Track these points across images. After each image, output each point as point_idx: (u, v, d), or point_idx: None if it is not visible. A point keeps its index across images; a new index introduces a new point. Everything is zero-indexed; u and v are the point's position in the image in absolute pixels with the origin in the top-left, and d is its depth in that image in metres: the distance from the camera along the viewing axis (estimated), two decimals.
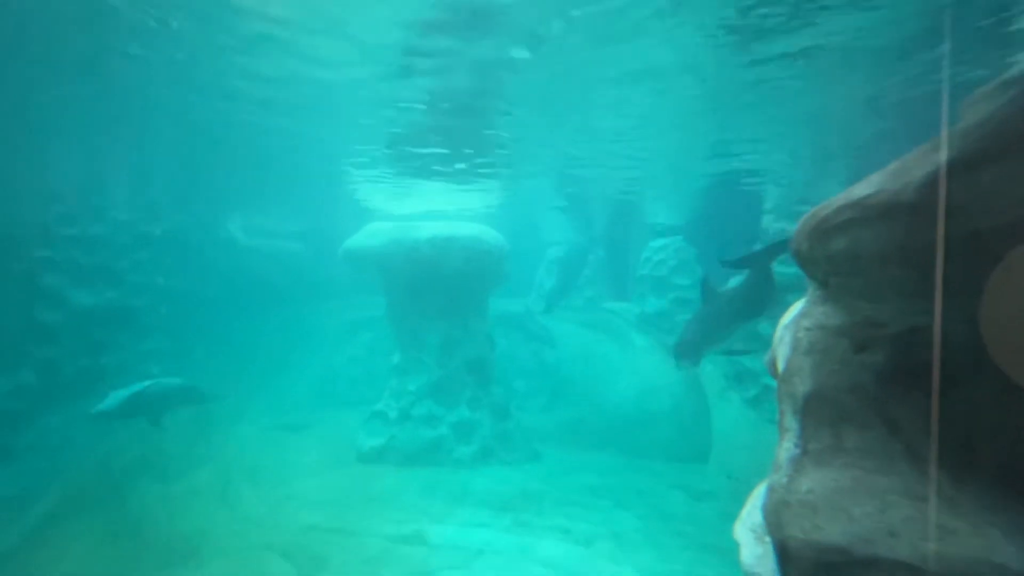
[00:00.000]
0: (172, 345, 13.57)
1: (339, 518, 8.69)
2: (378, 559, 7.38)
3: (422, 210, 15.77)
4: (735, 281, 9.96)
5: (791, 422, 2.03)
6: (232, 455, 11.60)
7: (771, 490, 1.91)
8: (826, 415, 1.89)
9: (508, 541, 7.91)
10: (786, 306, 2.70)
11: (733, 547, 2.43)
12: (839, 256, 1.95)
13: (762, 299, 7.28)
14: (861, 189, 1.90)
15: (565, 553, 7.58)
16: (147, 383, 9.55)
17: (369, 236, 13.05)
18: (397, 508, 9.14)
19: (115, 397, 9.01)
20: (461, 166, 11.00)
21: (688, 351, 7.45)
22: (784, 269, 10.96)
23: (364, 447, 11.61)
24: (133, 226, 12.68)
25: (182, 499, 9.35)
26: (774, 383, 2.36)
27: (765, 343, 2.79)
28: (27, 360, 10.87)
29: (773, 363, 2.55)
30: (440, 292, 12.55)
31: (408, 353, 12.59)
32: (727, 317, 7.47)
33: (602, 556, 7.54)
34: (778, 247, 7.35)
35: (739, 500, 2.71)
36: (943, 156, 1.63)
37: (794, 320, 2.32)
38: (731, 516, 2.67)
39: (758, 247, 10.14)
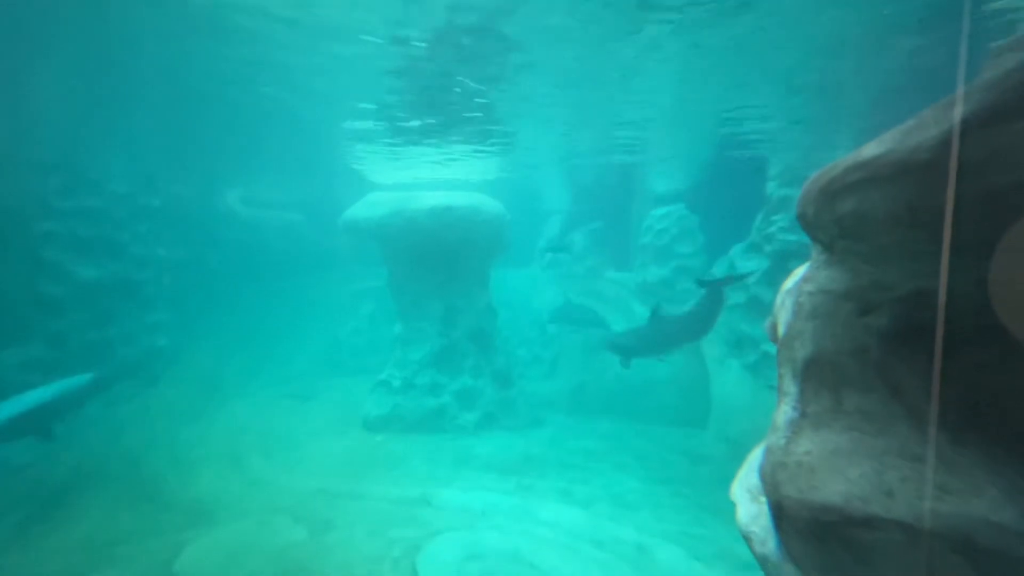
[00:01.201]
0: (176, 316, 13.67)
1: (346, 482, 8.93)
2: (385, 521, 7.62)
3: (422, 180, 15.58)
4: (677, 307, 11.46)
5: (790, 386, 2.04)
6: (240, 423, 11.85)
7: (768, 452, 1.92)
8: (827, 378, 1.89)
9: (511, 503, 8.14)
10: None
11: (730, 508, 2.48)
12: (846, 218, 1.90)
13: (696, 331, 8.96)
14: (871, 149, 1.84)
15: (567, 514, 7.81)
16: (37, 397, 7.62)
17: (368, 207, 12.94)
18: (402, 473, 9.37)
19: None
20: (458, 137, 10.80)
21: (618, 350, 9.16)
22: (787, 237, 10.88)
23: (369, 415, 11.82)
24: (131, 198, 12.58)
25: (194, 466, 9.60)
26: (773, 349, 2.35)
27: (766, 309, 2.78)
28: (36, 333, 10.98)
29: (774, 328, 2.54)
30: (441, 262, 12.53)
31: (410, 323, 12.66)
32: (664, 341, 9.12)
33: (602, 517, 7.76)
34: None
35: (737, 463, 2.75)
36: (959, 111, 1.57)
37: (796, 285, 2.30)
38: (728, 479, 2.72)
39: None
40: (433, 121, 9.76)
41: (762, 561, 2.03)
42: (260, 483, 8.99)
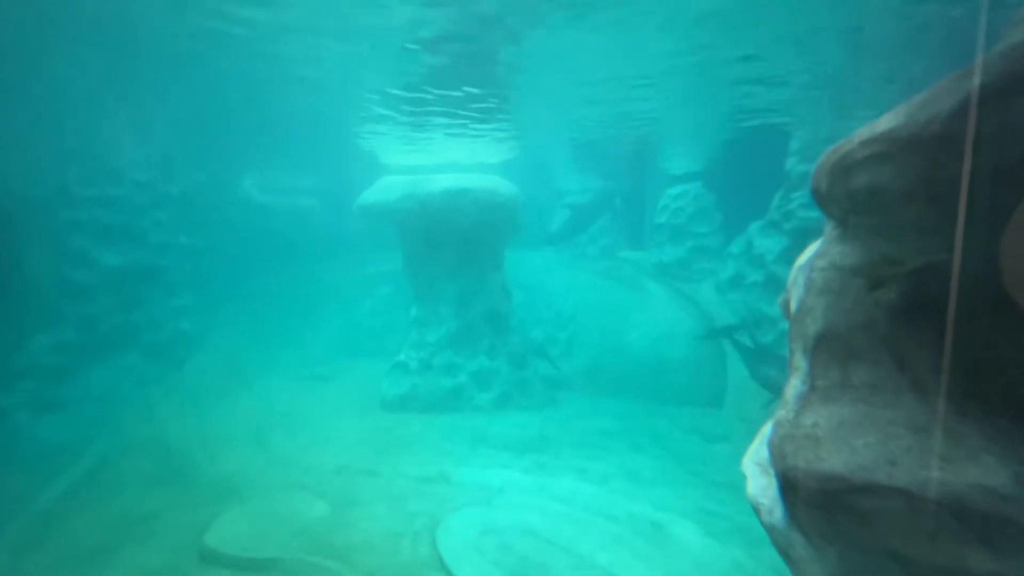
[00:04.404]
0: (199, 301, 14.03)
1: (366, 460, 9.18)
2: (404, 496, 7.85)
3: (436, 163, 15.54)
4: None
5: (801, 360, 2.05)
6: (263, 404, 12.21)
7: (777, 425, 1.95)
8: (836, 353, 1.90)
9: (527, 480, 8.30)
10: None
11: (744, 484, 2.52)
12: (860, 193, 1.89)
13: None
14: (886, 122, 1.82)
15: (582, 491, 7.94)
16: None
17: (383, 191, 12.99)
18: (421, 451, 9.60)
19: None
20: (473, 114, 10.72)
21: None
22: (808, 214, 10.66)
23: (387, 395, 12.07)
24: (151, 186, 12.83)
25: (220, 444, 9.96)
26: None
27: (784, 288, 2.77)
28: (65, 318, 11.39)
29: (787, 304, 2.55)
30: (455, 245, 12.58)
31: (426, 306, 12.80)
32: None
33: (618, 493, 7.88)
34: None
35: (751, 441, 2.78)
36: (975, 82, 1.53)
37: (808, 261, 2.29)
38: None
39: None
40: (443, 105, 9.70)
41: (769, 530, 2.08)
42: (283, 461, 9.29)
